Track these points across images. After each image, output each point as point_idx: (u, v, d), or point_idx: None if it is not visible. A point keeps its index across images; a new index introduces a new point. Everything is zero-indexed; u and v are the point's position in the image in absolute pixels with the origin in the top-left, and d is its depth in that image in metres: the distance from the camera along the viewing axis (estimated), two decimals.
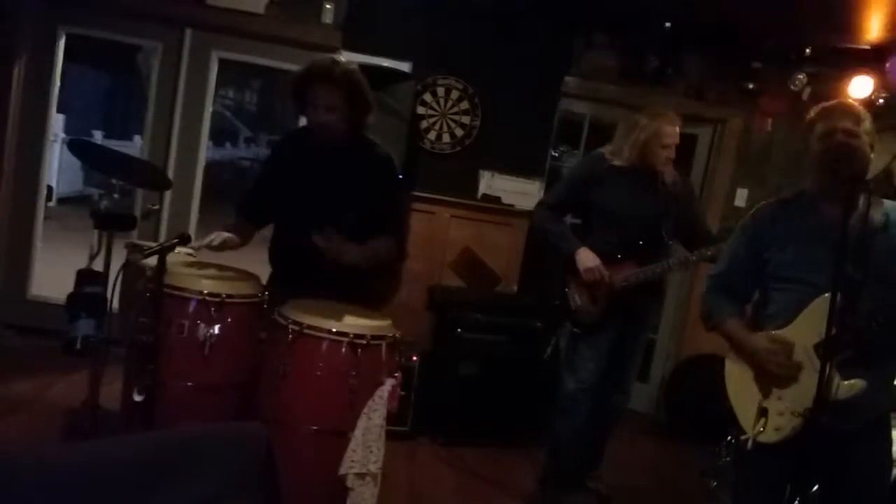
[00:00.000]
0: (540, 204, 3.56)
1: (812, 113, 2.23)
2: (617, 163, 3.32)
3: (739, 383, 2.23)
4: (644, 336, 3.62)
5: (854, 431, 2.07)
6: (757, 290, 2.32)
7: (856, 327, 1.96)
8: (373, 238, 2.69)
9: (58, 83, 4.69)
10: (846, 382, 1.98)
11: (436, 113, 4.66)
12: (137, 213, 4.53)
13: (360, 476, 2.41)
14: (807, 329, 2.07)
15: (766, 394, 2.15)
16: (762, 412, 2.12)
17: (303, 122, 2.95)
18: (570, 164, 5.48)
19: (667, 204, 3.34)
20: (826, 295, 1.93)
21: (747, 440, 2.13)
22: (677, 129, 3.31)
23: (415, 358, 3.98)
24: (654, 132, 3.24)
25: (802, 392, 2.03)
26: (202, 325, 2.52)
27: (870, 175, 2.15)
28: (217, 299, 2.54)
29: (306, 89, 2.62)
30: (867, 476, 2.14)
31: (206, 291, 2.54)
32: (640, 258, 3.33)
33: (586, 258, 3.28)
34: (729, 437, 4.00)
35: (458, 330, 4.09)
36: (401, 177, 4.14)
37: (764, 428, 2.10)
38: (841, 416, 1.98)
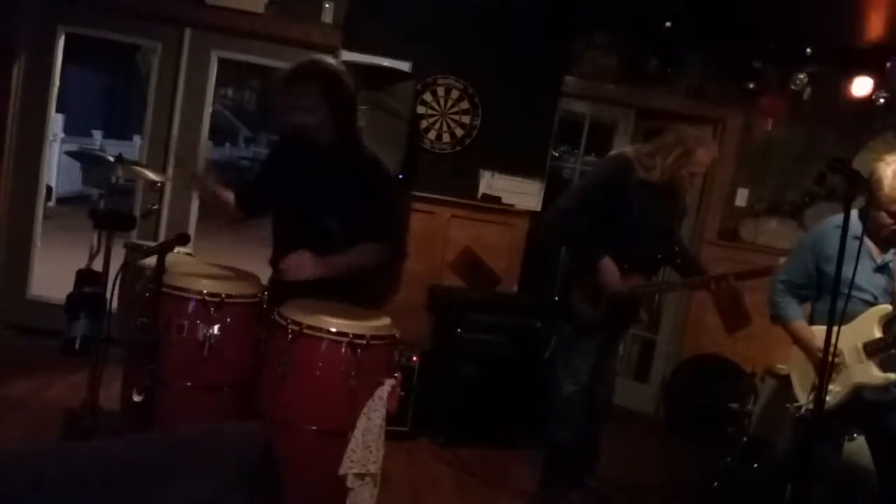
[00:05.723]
0: (565, 211, 3.34)
1: None
2: (643, 176, 3.26)
3: (800, 366, 2.91)
4: (625, 333, 3.76)
5: (887, 401, 2.79)
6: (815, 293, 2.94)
7: None
8: (362, 244, 2.64)
9: (57, 83, 4.68)
10: (883, 374, 2.70)
11: (436, 113, 4.66)
12: (137, 212, 4.53)
13: (360, 476, 2.42)
14: (860, 330, 2.73)
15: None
16: (814, 388, 2.65)
17: None
18: (570, 163, 5.49)
19: (680, 221, 3.51)
20: (882, 305, 2.74)
21: (801, 407, 2.84)
22: (712, 158, 3.30)
23: (415, 358, 3.98)
24: (691, 162, 3.23)
25: (848, 377, 2.74)
26: (202, 325, 2.52)
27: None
28: (216, 299, 2.54)
29: (287, 90, 2.55)
30: None
31: (205, 291, 2.54)
32: (650, 271, 3.47)
33: (611, 272, 3.25)
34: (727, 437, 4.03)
35: (458, 330, 4.09)
36: (400, 176, 4.17)
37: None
38: (878, 393, 2.75)
